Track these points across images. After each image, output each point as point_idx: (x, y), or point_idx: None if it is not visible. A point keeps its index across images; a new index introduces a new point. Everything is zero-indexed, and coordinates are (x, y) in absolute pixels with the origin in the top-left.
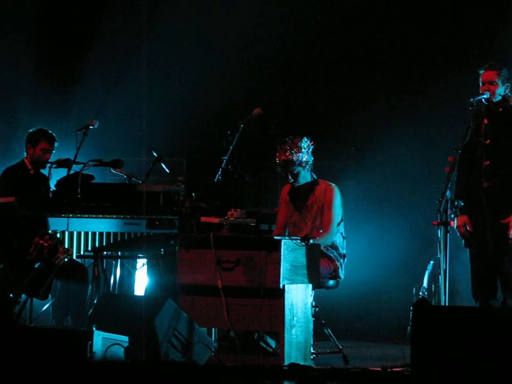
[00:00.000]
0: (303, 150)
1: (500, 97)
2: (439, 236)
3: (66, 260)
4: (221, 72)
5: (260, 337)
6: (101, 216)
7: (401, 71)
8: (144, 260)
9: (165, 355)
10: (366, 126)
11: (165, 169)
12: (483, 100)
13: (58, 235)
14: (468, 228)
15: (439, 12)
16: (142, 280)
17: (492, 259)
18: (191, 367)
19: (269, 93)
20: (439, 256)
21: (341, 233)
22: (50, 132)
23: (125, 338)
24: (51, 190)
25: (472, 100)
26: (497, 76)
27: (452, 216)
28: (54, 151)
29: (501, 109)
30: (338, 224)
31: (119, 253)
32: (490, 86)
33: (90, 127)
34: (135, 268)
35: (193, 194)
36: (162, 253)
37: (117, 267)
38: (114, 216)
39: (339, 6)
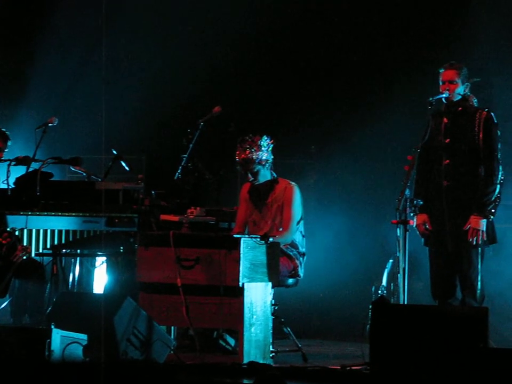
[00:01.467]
0: (263, 149)
1: (460, 96)
2: (398, 234)
3: (24, 257)
4: (181, 70)
5: (219, 336)
6: (60, 214)
7: (361, 70)
8: (103, 258)
9: (124, 353)
10: (326, 124)
11: (124, 167)
12: (443, 99)
13: (17, 233)
14: (427, 226)
15: (397, 11)
16: (101, 278)
17: (451, 258)
18: (150, 365)
19: (229, 91)
20: (398, 254)
21: (301, 232)
22: (3, 130)
23: (83, 337)
24: (10, 187)
25: (431, 99)
26: (457, 75)
27: (411, 214)
28: (7, 150)
29: (460, 108)
30: (298, 223)
31: (78, 251)
32: (450, 85)
33: (50, 124)
34: (94, 266)
35: (152, 192)
36: (121, 251)
37: (75, 265)
38: (74, 214)
39: (302, 5)
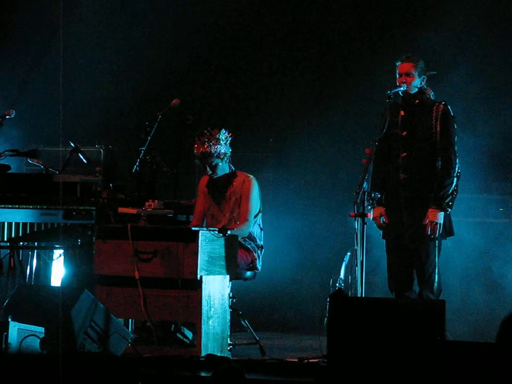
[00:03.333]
0: (221, 142)
1: (417, 89)
2: (356, 227)
3: None
4: (139, 62)
5: (177, 329)
6: (17, 206)
7: (319, 63)
8: (61, 251)
9: (81, 346)
10: (284, 117)
11: (82, 160)
12: (400, 92)
13: None
14: (384, 219)
15: (354, 5)
16: (58, 271)
17: (408, 251)
18: (108, 358)
19: (187, 84)
20: (356, 247)
21: (259, 225)
22: None
23: (41, 330)
24: None
25: (389, 92)
26: (414, 68)
27: (369, 208)
28: None
29: (417, 101)
30: (256, 216)
31: (36, 243)
32: (407, 78)
33: (7, 116)
34: (51, 259)
35: (110, 184)
36: (79, 243)
37: (33, 258)
38: (31, 206)
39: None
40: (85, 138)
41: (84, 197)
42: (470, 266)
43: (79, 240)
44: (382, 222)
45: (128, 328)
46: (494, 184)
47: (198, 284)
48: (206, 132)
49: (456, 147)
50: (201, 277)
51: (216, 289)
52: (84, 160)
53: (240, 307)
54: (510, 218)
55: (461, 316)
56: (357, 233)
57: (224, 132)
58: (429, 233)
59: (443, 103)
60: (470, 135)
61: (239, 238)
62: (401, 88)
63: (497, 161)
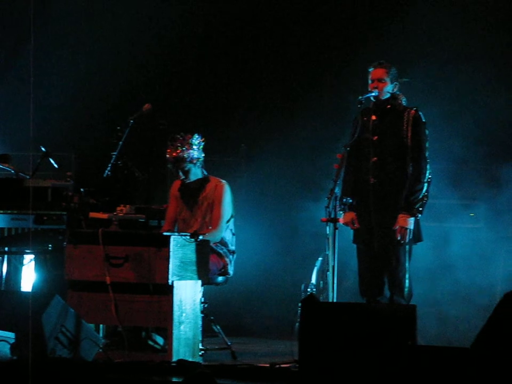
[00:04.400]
0: (194, 147)
1: (389, 94)
2: (328, 232)
3: None
4: (111, 67)
5: (148, 334)
6: None
7: (291, 68)
8: (32, 256)
9: (52, 351)
10: (257, 122)
11: (53, 164)
12: (372, 98)
13: None
14: (355, 224)
15: (325, 9)
16: (29, 276)
17: (379, 256)
18: (79, 363)
19: (160, 89)
20: (327, 252)
21: (231, 230)
22: None
23: (11, 335)
24: None
25: (361, 97)
26: (386, 74)
27: (341, 213)
28: None
29: (389, 106)
30: (228, 221)
31: (6, 248)
32: (379, 84)
33: None
34: (22, 264)
35: (82, 189)
36: (50, 248)
37: (3, 263)
38: (1, 211)
39: (224, 4)
40: (55, 143)
41: (54, 202)
42: (440, 271)
43: (50, 245)
44: (353, 227)
45: (99, 333)
46: (464, 190)
47: (169, 289)
48: (179, 136)
49: (427, 153)
50: (172, 282)
51: (187, 294)
52: (55, 165)
53: (211, 312)
54: (480, 224)
55: (432, 321)
56: (328, 238)
57: (197, 136)
58: (399, 238)
59: (414, 108)
60: (440, 140)
61: (211, 243)
62: (373, 94)
63: (467, 167)
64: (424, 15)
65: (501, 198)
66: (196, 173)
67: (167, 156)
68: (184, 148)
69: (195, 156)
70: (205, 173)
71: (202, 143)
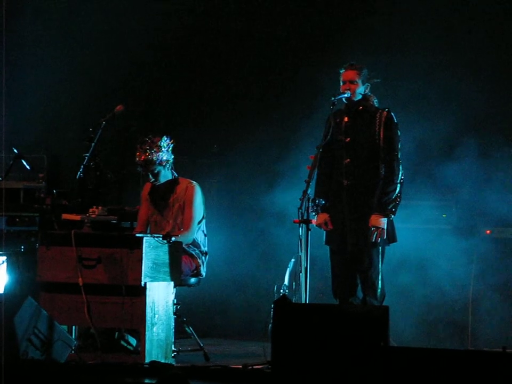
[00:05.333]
0: (163, 149)
1: (361, 96)
2: (300, 234)
3: None
4: (83, 69)
5: (121, 336)
6: None
7: (263, 69)
8: (4, 257)
9: (25, 353)
10: (228, 123)
11: (25, 166)
12: (344, 99)
13: None
14: (328, 225)
15: (295, 11)
16: (1, 278)
17: (352, 257)
18: (51, 365)
19: (131, 90)
20: (300, 254)
21: (203, 231)
22: None
23: None
24: None
25: (333, 98)
26: (358, 76)
27: (314, 214)
28: None
29: (361, 107)
30: (200, 222)
31: None
32: (351, 85)
33: None
34: None
35: (54, 191)
36: (22, 250)
37: None
38: None
39: (200, 3)
40: (28, 145)
41: (27, 204)
42: (413, 272)
43: (22, 247)
44: (326, 228)
45: (71, 335)
46: (436, 190)
47: (142, 291)
48: (147, 139)
49: (399, 154)
50: (145, 283)
51: (160, 295)
52: (27, 167)
53: (184, 314)
54: (452, 225)
55: (404, 322)
56: (301, 240)
57: (165, 138)
58: (372, 239)
59: (386, 110)
60: (412, 141)
61: (183, 245)
62: (345, 95)
63: (438, 168)
64: (393, 14)
65: (473, 199)
66: (166, 175)
67: (136, 159)
68: (153, 151)
69: (164, 158)
70: (175, 174)
71: (171, 145)
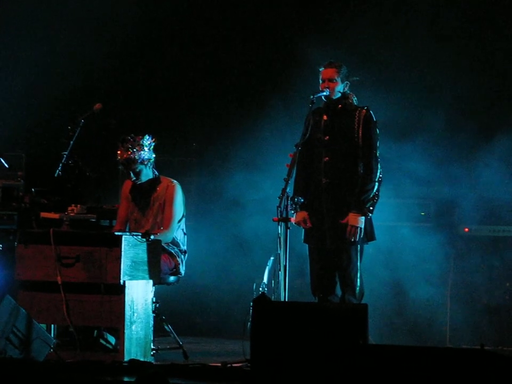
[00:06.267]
0: (144, 148)
1: (340, 94)
2: (279, 232)
3: None
4: (61, 66)
5: (100, 334)
6: None
7: (243, 68)
8: None
9: (3, 352)
10: (208, 121)
11: (3, 164)
12: (323, 97)
13: None
14: (307, 223)
15: (277, 8)
16: None
17: (330, 255)
18: (30, 363)
19: (110, 88)
20: (279, 252)
21: (182, 230)
22: None
23: None
24: None
25: (312, 96)
26: (337, 74)
27: (292, 212)
28: None
29: (340, 106)
30: (179, 221)
31: None
32: (330, 83)
33: None
34: None
35: (32, 189)
36: (0, 248)
37: None
38: None
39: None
40: (6, 143)
41: (5, 202)
42: (392, 270)
43: (1, 245)
44: (305, 226)
45: (50, 333)
46: (416, 189)
47: (121, 289)
48: (129, 138)
49: (378, 152)
50: (124, 282)
51: (139, 294)
52: (5, 165)
53: (163, 312)
54: (432, 223)
55: (383, 320)
56: (280, 238)
57: (147, 137)
58: (349, 237)
59: (365, 108)
60: (391, 139)
61: (163, 243)
62: (324, 93)
63: (417, 166)
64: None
65: (451, 197)
66: (147, 173)
67: (118, 157)
68: (134, 149)
69: (146, 157)
70: (156, 173)
71: (153, 144)
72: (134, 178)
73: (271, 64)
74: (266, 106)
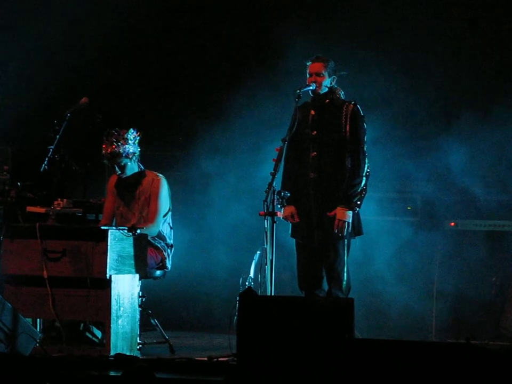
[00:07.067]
0: (129, 142)
1: (327, 88)
2: (266, 226)
3: None
4: (48, 60)
5: (86, 328)
6: None
7: (228, 60)
8: None
9: None
10: (194, 115)
11: None
12: (310, 92)
13: None
14: (294, 218)
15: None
16: None
17: (318, 249)
18: (15, 358)
19: (96, 82)
20: (265, 246)
21: (168, 223)
22: None
23: None
24: None
25: (298, 91)
26: (324, 68)
27: (279, 206)
28: None
29: (327, 101)
30: (165, 215)
31: None
32: (317, 78)
33: None
34: None
35: (19, 183)
36: None
37: None
38: None
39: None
40: None
41: None
42: (379, 265)
43: None
44: (292, 221)
45: (36, 327)
46: (402, 183)
47: (107, 283)
48: (114, 131)
49: (365, 146)
50: (110, 276)
51: (125, 288)
52: None
53: (149, 306)
54: (417, 217)
55: (369, 314)
56: (266, 232)
57: (132, 131)
58: (337, 231)
59: (353, 102)
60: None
61: (149, 237)
62: (311, 87)
63: (405, 161)
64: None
65: (437, 191)
66: (132, 167)
67: (103, 151)
68: (119, 143)
69: (131, 151)
70: (142, 167)
71: (138, 138)
72: (119, 172)
73: (256, 58)
74: (253, 100)
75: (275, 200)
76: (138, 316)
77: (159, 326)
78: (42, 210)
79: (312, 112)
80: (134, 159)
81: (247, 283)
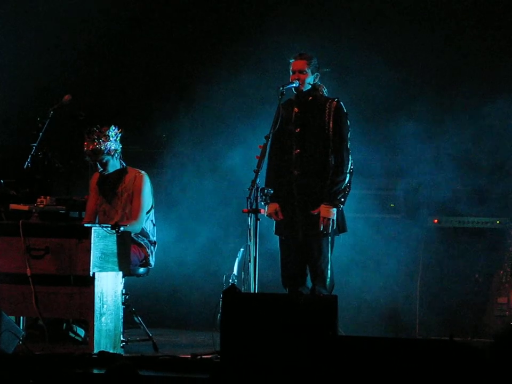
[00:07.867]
0: (111, 139)
1: (310, 86)
2: (249, 223)
3: None
4: (31, 57)
5: (69, 326)
6: None
7: (212, 59)
8: None
9: None
10: (177, 112)
11: None
12: (293, 89)
13: None
14: (278, 215)
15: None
16: None
17: (301, 246)
18: None
19: (79, 80)
20: (249, 243)
21: (151, 220)
22: None
23: None
24: None
25: (281, 88)
26: (307, 65)
27: (263, 203)
28: None
29: (310, 98)
30: (148, 212)
31: None
32: (300, 75)
33: None
34: None
35: (1, 181)
36: None
37: None
38: None
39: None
40: None
41: None
42: (362, 262)
43: None
44: (276, 218)
45: (19, 325)
46: (385, 180)
47: (90, 281)
48: (95, 129)
49: (349, 143)
50: (93, 273)
51: (109, 286)
52: None
53: (133, 304)
54: (400, 214)
55: (353, 311)
56: (250, 229)
57: (113, 128)
58: (321, 229)
59: (336, 99)
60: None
61: (132, 234)
62: (294, 85)
63: (388, 158)
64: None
65: (421, 189)
66: (114, 164)
67: (85, 149)
68: (101, 140)
69: (112, 148)
70: (124, 164)
71: (119, 134)
72: (101, 169)
73: (241, 55)
74: (235, 98)
75: (258, 198)
76: (121, 314)
77: (143, 323)
78: (25, 207)
79: (296, 109)
80: (116, 156)
81: (230, 280)
